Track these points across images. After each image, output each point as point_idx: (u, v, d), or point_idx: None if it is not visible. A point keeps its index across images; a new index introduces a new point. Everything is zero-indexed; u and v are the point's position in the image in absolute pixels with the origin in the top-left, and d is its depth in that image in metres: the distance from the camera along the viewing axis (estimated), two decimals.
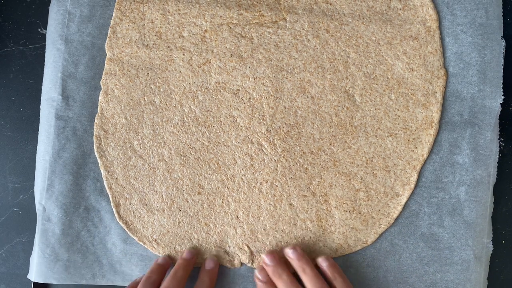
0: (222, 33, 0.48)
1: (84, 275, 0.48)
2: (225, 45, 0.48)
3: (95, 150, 0.48)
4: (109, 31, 0.48)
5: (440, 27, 0.48)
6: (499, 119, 0.48)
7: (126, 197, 0.48)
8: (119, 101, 0.48)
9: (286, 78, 0.48)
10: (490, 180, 0.48)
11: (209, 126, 0.48)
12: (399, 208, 0.47)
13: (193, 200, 0.48)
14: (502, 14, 0.48)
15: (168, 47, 0.48)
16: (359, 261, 0.48)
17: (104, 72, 0.48)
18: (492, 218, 0.48)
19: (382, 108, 0.48)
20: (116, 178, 0.48)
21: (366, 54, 0.48)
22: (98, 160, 0.48)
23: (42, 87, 0.49)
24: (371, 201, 0.47)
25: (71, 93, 0.48)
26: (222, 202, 0.48)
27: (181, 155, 0.48)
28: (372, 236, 0.47)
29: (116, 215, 0.48)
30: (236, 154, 0.48)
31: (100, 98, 0.48)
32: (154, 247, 0.48)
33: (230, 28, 0.48)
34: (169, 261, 0.47)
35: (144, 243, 0.48)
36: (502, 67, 0.48)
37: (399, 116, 0.48)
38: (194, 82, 0.48)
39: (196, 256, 0.47)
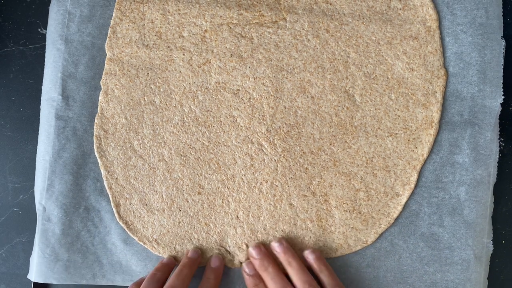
0: (222, 33, 0.48)
1: (84, 275, 0.48)
2: (225, 45, 0.48)
3: (95, 150, 0.48)
4: (109, 31, 0.48)
5: (440, 27, 0.48)
6: (499, 119, 0.48)
7: (126, 197, 0.48)
8: (119, 101, 0.48)
9: (286, 78, 0.48)
10: (490, 180, 0.48)
11: (209, 126, 0.48)
12: (399, 208, 0.47)
13: (193, 200, 0.48)
14: (502, 14, 0.48)
15: (168, 47, 0.48)
16: (359, 261, 0.48)
17: (104, 72, 0.48)
18: (492, 218, 0.48)
19: (382, 108, 0.48)
20: (116, 178, 0.48)
21: (366, 54, 0.48)
22: (98, 160, 0.48)
23: (42, 87, 0.49)
24: (371, 201, 0.47)
25: (71, 93, 0.48)
26: (222, 202, 0.48)
27: (181, 155, 0.48)
28: (372, 236, 0.47)
29: (116, 215, 0.48)
30: (236, 154, 0.48)
31: (100, 98, 0.48)
32: (154, 247, 0.48)
33: (230, 28, 0.48)
34: (174, 261, 0.47)
35: (144, 243, 0.48)
36: (502, 67, 0.48)
37: (399, 116, 0.48)
38: (194, 82, 0.48)
39: (201, 256, 0.47)
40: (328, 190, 0.47)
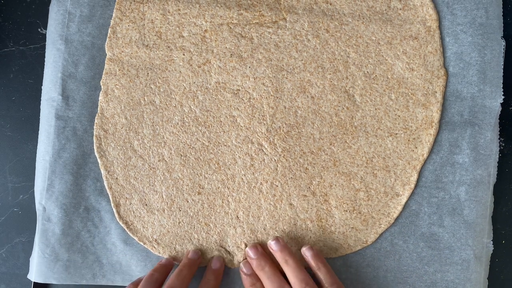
0: (222, 33, 0.48)
1: (84, 275, 0.48)
2: (225, 45, 0.48)
3: (95, 150, 0.48)
4: (109, 31, 0.48)
5: (440, 27, 0.48)
6: (499, 119, 0.48)
7: (126, 197, 0.48)
8: (119, 101, 0.48)
9: (286, 78, 0.48)
10: (490, 180, 0.48)
11: (209, 126, 0.48)
12: (399, 208, 0.47)
13: (193, 200, 0.48)
14: (502, 14, 0.48)
15: (168, 47, 0.48)
16: (359, 261, 0.48)
17: (104, 72, 0.48)
18: (492, 218, 0.48)
19: (382, 108, 0.48)
20: (116, 178, 0.48)
21: (366, 54, 0.48)
22: (98, 160, 0.48)
23: (42, 87, 0.49)
24: (371, 201, 0.47)
25: (71, 93, 0.48)
26: (222, 202, 0.48)
27: (181, 155, 0.48)
28: (372, 236, 0.47)
29: (116, 215, 0.48)
30: (236, 154, 0.48)
31: (100, 98, 0.48)
32: (154, 247, 0.48)
33: (230, 28, 0.48)
34: (172, 262, 0.47)
35: (144, 243, 0.48)
36: (502, 67, 0.48)
37: (399, 116, 0.48)
38: (194, 82, 0.48)
39: (201, 257, 0.47)
40: (328, 190, 0.47)
